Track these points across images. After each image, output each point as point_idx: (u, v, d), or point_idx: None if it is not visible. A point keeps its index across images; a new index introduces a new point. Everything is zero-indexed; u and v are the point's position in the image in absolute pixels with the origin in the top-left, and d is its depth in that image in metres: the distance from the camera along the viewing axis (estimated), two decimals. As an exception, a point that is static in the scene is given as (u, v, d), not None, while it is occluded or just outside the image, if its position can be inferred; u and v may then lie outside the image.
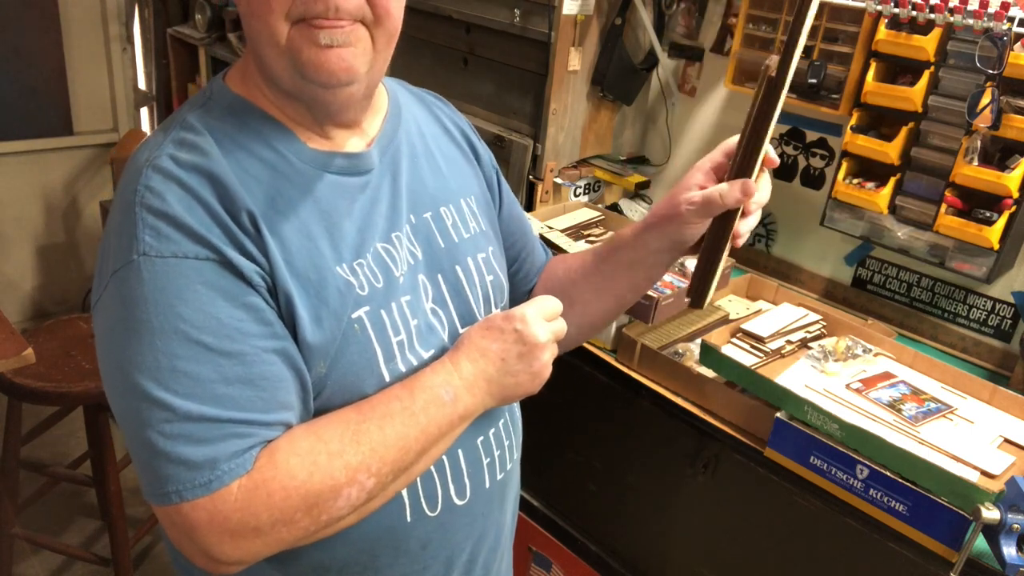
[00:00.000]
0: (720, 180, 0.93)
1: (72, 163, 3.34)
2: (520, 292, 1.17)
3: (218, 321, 0.74)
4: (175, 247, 0.74)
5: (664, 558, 1.59)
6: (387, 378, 0.86)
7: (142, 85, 3.39)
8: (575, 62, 1.87)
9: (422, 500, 0.91)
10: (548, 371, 0.91)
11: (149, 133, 3.43)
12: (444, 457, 0.92)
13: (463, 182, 1.04)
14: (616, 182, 2.03)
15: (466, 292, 0.97)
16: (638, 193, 2.09)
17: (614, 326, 1.57)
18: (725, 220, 0.92)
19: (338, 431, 0.79)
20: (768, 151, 0.92)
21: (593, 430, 1.67)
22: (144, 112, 3.45)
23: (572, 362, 1.64)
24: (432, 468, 0.91)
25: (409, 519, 0.90)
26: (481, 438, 0.97)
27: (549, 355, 0.90)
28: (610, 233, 1.86)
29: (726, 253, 0.94)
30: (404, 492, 0.89)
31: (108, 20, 3.23)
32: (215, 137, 0.81)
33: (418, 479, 0.90)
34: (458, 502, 0.95)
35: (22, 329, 2.05)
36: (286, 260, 0.80)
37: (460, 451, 0.94)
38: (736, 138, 0.93)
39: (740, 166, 0.90)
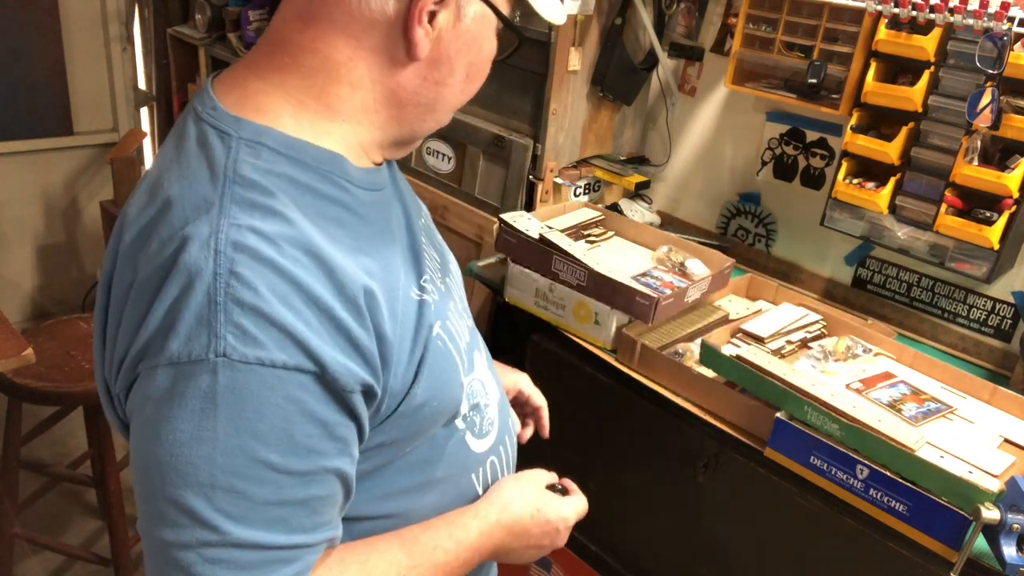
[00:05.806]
0: None
1: (72, 163, 3.34)
2: None
3: (290, 438, 0.66)
4: (263, 353, 0.64)
5: (664, 558, 1.59)
6: (464, 383, 0.88)
7: (142, 85, 3.39)
8: (575, 62, 1.87)
9: None
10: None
11: (149, 134, 3.42)
12: (463, 487, 0.93)
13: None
14: (616, 182, 2.04)
15: (458, 288, 0.99)
16: (638, 193, 2.09)
17: (614, 326, 1.57)
18: None
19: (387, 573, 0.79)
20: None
21: (593, 430, 1.67)
22: (144, 112, 3.45)
23: (572, 362, 1.64)
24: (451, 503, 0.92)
25: None
26: (493, 458, 0.98)
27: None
28: (611, 233, 1.87)
29: None
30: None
31: (108, 20, 3.23)
32: (286, 192, 0.70)
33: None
34: None
35: (22, 329, 2.05)
36: (392, 320, 0.75)
37: (473, 476, 0.94)
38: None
39: None
